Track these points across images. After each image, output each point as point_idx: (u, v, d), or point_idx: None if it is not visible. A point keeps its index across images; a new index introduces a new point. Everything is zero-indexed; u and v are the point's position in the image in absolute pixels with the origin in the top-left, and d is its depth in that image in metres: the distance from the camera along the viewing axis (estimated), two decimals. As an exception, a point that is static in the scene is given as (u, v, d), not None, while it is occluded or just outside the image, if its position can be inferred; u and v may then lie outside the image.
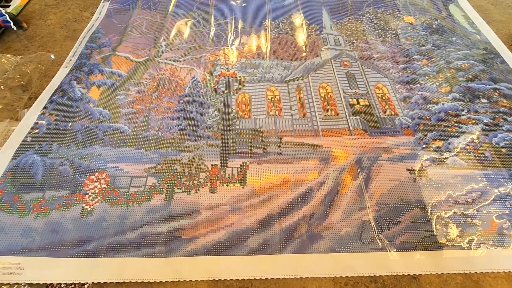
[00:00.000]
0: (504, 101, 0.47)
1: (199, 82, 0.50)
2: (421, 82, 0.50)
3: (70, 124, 0.43)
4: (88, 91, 0.47)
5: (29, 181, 0.37)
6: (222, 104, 0.47)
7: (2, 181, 0.37)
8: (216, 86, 0.49)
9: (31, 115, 0.43)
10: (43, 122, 0.43)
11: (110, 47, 0.55)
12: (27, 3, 0.62)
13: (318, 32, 0.59)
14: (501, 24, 0.61)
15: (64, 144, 0.41)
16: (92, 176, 0.38)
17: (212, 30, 0.59)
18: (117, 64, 0.52)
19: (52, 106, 0.45)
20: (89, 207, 0.35)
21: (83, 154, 0.40)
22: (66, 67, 0.51)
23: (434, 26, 0.60)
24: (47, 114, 0.44)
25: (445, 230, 0.35)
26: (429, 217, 0.36)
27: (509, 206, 0.37)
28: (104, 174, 0.38)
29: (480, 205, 0.37)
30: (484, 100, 0.47)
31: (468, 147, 0.42)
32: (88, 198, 0.36)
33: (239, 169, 0.40)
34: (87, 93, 0.47)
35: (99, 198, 0.36)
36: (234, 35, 0.58)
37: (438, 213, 0.36)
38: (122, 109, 0.45)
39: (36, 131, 0.42)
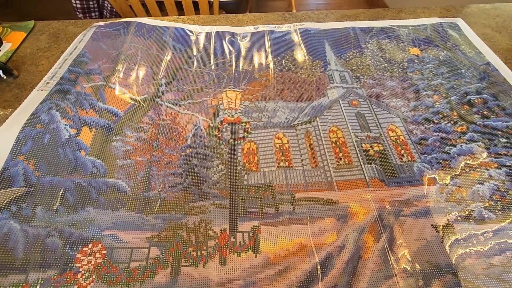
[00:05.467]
0: (525, 140, 0.45)
1: (201, 130, 0.47)
2: (435, 121, 0.48)
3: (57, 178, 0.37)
4: (78, 132, 0.42)
5: (6, 258, 0.31)
6: (227, 155, 0.44)
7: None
8: (220, 135, 0.46)
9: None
10: (18, 169, 0.37)
11: (101, 76, 0.51)
12: (18, 47, 0.59)
13: (323, 68, 0.57)
14: (509, 53, 0.59)
15: (51, 209, 0.36)
16: (85, 249, 0.34)
17: (213, 70, 0.56)
18: (112, 100, 0.48)
19: (28, 146, 0.39)
20: (85, 290, 0.32)
21: (75, 220, 0.36)
22: (42, 90, 0.46)
23: (441, 57, 0.59)
24: (22, 158, 0.38)
25: (482, 299, 0.32)
26: (463, 285, 0.32)
27: (548, 266, 0.34)
28: (100, 245, 0.34)
29: (517, 267, 0.34)
30: (504, 140, 0.45)
31: (494, 195, 0.39)
32: (81, 277, 0.32)
33: (250, 234, 0.36)
34: (76, 136, 0.42)
35: (94, 276, 0.32)
36: (236, 75, 0.55)
37: (472, 280, 0.33)
38: (119, 160, 0.42)
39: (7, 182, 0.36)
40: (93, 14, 0.91)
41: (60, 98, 0.45)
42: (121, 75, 0.52)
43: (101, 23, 0.62)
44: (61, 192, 0.37)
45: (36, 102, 0.45)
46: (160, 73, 0.54)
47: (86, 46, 0.57)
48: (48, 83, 0.48)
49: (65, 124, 0.43)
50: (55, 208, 0.36)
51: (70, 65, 0.52)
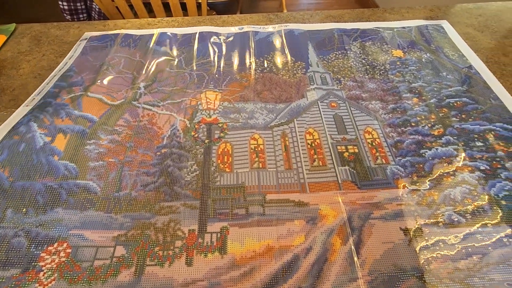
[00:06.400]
0: (501, 144, 0.45)
1: (178, 130, 0.47)
2: (413, 124, 0.48)
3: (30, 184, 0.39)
4: (52, 139, 0.44)
5: (-30, 258, 0.32)
6: (202, 156, 0.44)
7: None
8: (196, 135, 0.46)
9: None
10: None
11: (82, 87, 0.52)
12: (-1, 49, 0.59)
13: (304, 70, 0.57)
14: (490, 52, 0.59)
15: (21, 211, 0.37)
16: (50, 248, 0.34)
17: (194, 71, 0.56)
18: (89, 107, 0.49)
19: (4, 155, 0.41)
20: (43, 287, 0.32)
21: (43, 221, 0.36)
22: (27, 105, 0.47)
23: (423, 60, 0.58)
24: (-3, 165, 0.39)
25: (445, 303, 0.31)
26: (427, 288, 0.32)
27: (514, 271, 0.33)
28: (65, 244, 0.34)
29: (483, 271, 0.33)
30: (480, 143, 0.45)
31: (466, 199, 0.39)
32: (43, 276, 0.32)
33: (218, 235, 0.36)
34: (51, 143, 0.43)
35: (56, 275, 0.32)
36: (217, 75, 0.56)
37: (436, 283, 0.33)
38: (91, 163, 0.42)
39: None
40: (81, 16, 0.90)
41: (40, 111, 0.47)
42: (100, 83, 0.53)
43: (92, 34, 0.62)
44: (32, 195, 0.38)
45: (19, 117, 0.46)
46: (140, 77, 0.54)
47: (75, 61, 0.57)
48: (34, 99, 0.49)
49: (40, 133, 0.44)
50: (24, 211, 0.37)
51: (57, 80, 0.53)
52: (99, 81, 0.53)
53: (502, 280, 0.33)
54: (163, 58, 0.59)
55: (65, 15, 0.90)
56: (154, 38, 0.63)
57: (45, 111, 0.47)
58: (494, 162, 0.43)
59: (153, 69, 0.56)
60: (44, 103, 0.48)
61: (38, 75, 0.54)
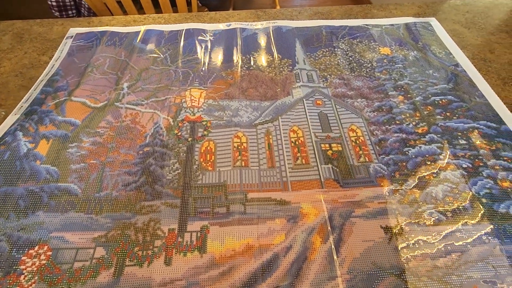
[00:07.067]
0: (484, 142, 0.45)
1: (161, 128, 0.46)
2: (397, 121, 0.48)
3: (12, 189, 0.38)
4: (35, 145, 0.43)
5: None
6: (184, 154, 0.43)
7: None
8: (179, 133, 0.46)
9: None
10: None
11: (66, 91, 0.51)
12: (-19, 46, 0.58)
13: (291, 67, 0.56)
14: (476, 49, 0.59)
15: (3, 215, 0.36)
16: (31, 251, 0.34)
17: (180, 68, 0.56)
18: (72, 112, 0.48)
19: None
20: (24, 290, 0.31)
21: (24, 225, 0.36)
22: (15, 114, 0.47)
23: (410, 58, 0.58)
24: (-16, 175, 0.40)
25: (423, 301, 0.32)
26: (404, 286, 0.32)
27: (492, 268, 0.34)
28: (46, 247, 0.34)
29: (461, 269, 0.34)
30: (463, 141, 0.45)
31: (447, 197, 0.39)
32: (24, 279, 0.32)
33: (199, 234, 0.36)
34: (34, 149, 0.43)
35: (36, 278, 0.32)
36: (202, 73, 0.55)
37: (414, 281, 0.33)
38: (72, 165, 0.42)
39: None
40: (70, 12, 0.88)
41: (25, 119, 0.47)
42: (83, 87, 0.52)
43: (78, 31, 0.61)
44: (13, 200, 0.38)
45: (6, 127, 0.46)
46: (124, 77, 0.54)
47: (61, 63, 0.56)
48: (22, 106, 0.49)
49: (25, 141, 0.44)
50: (6, 216, 0.36)
51: (44, 85, 0.52)
52: (83, 84, 0.52)
53: (480, 277, 0.33)
54: (148, 56, 0.58)
55: (53, 11, 0.89)
56: (140, 35, 0.62)
57: (30, 119, 0.47)
58: (477, 160, 0.43)
59: (137, 67, 0.56)
60: (31, 110, 0.48)
61: (19, 73, 0.53)
